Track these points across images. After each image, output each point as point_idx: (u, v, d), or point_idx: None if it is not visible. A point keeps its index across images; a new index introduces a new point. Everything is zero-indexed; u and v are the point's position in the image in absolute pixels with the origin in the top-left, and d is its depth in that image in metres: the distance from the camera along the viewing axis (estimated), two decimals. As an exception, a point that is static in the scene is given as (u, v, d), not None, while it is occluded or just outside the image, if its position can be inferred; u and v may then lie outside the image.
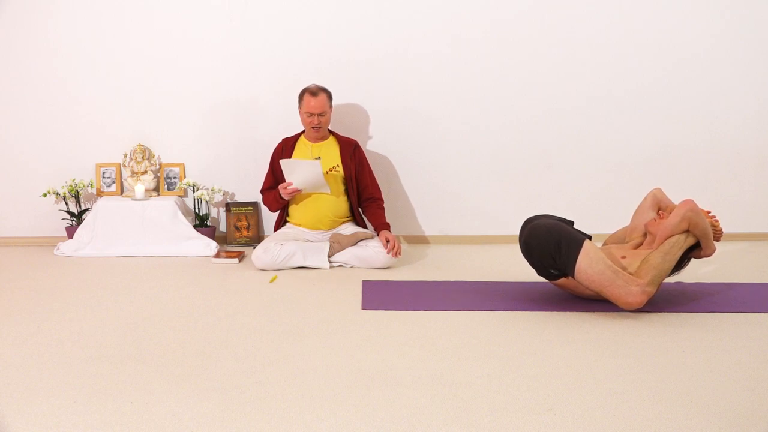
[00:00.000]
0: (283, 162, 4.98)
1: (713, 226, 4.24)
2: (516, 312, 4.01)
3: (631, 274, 3.95)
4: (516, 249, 4.23)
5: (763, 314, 4.00)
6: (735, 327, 3.79)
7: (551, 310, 4.04)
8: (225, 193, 5.66)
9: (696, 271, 4.82)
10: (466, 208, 5.79)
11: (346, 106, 5.57)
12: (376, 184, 5.26)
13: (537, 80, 5.65)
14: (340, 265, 4.99)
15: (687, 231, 4.05)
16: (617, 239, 4.45)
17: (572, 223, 4.24)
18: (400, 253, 5.00)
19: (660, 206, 4.33)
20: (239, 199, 5.69)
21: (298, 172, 4.95)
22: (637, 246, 4.25)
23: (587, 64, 5.65)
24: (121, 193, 5.62)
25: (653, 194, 4.37)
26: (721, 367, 3.24)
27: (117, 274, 4.79)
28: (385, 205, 5.29)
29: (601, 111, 5.71)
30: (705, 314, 4.00)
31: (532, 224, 4.11)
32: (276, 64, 5.55)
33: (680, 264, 4.15)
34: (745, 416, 2.80)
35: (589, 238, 4.10)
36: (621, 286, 3.88)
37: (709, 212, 4.30)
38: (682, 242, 4.03)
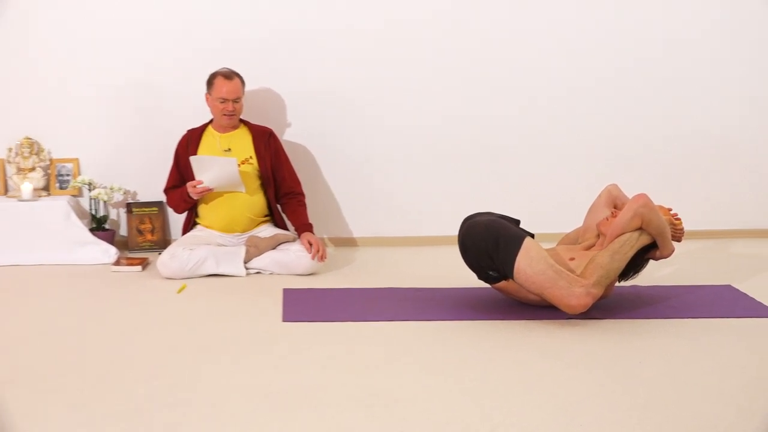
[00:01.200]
0: (193, 159, 4.96)
1: (673, 224, 4.32)
2: (456, 321, 4.06)
3: (578, 275, 4.02)
4: (456, 251, 4.28)
5: (726, 319, 4.11)
6: (696, 334, 3.88)
7: (494, 318, 4.09)
8: (126, 192, 5.62)
9: (652, 274, 4.92)
10: (400, 206, 5.83)
11: (259, 91, 5.57)
12: (296, 176, 5.27)
13: (481, 65, 5.71)
14: (257, 272, 5.00)
15: (640, 229, 4.13)
16: (570, 241, 4.51)
17: (518, 222, 4.30)
18: (325, 257, 5.01)
19: (615, 204, 4.40)
20: (142, 198, 5.65)
21: (209, 169, 4.93)
22: (589, 247, 4.32)
23: (538, 49, 5.73)
24: (6, 193, 5.55)
25: (608, 191, 4.44)
26: (681, 378, 3.33)
27: (1, 285, 4.73)
28: (306, 202, 5.30)
29: (553, 100, 5.81)
30: (663, 320, 4.09)
31: (470, 222, 4.17)
32: (181, 46, 5.53)
33: (636, 266, 4.23)
34: (706, 430, 2.87)
35: (532, 236, 4.16)
36: (564, 287, 3.95)
37: (669, 209, 4.39)
38: (634, 241, 4.11)
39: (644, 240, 4.15)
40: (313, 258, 4.95)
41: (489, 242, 4.02)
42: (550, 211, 5.80)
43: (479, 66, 5.73)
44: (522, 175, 5.86)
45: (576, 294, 3.95)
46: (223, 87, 5.04)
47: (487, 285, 4.32)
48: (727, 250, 5.68)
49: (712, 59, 5.84)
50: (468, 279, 4.58)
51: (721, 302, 4.41)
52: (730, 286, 4.73)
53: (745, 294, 4.55)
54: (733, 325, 4.03)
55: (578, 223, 4.56)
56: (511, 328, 3.96)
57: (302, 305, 4.33)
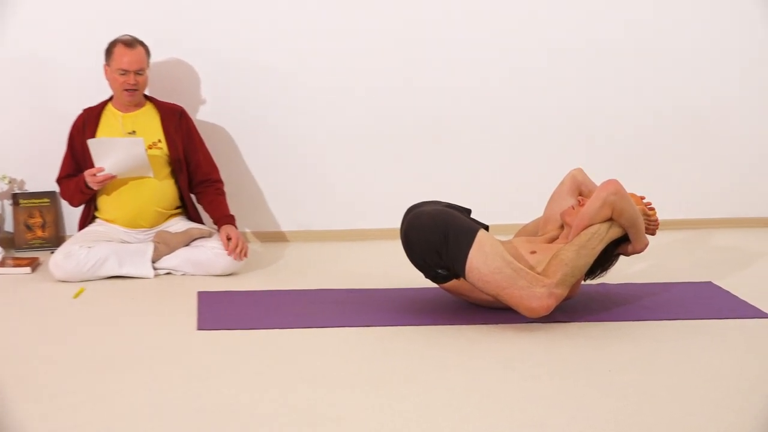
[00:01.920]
0: (91, 143, 4.90)
1: (646, 215, 4.35)
2: (400, 327, 4.07)
3: (540, 273, 4.05)
4: (399, 247, 4.29)
5: (706, 321, 4.17)
6: (673, 337, 3.94)
7: (443, 323, 4.11)
8: (11, 181, 5.54)
9: (624, 270, 4.96)
10: (334, 195, 5.85)
11: (167, 63, 5.53)
12: (212, 161, 5.26)
13: (428, 38, 5.75)
14: (168, 273, 4.98)
15: (610, 220, 4.16)
16: (529, 233, 4.54)
17: (469, 212, 4.32)
18: (246, 255, 5.00)
19: (581, 191, 4.43)
20: (31, 188, 5.58)
21: (112, 153, 4.88)
22: (552, 240, 4.35)
23: (491, 22, 5.77)
24: None
25: (572, 176, 4.46)
26: (656, 388, 3.36)
27: None
28: (226, 190, 5.29)
29: (509, 76, 5.84)
30: (635, 323, 4.13)
31: (413, 212, 4.18)
32: (76, 11, 5.46)
33: (604, 262, 4.27)
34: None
35: (486, 228, 4.19)
36: (523, 287, 3.97)
37: (642, 198, 4.42)
38: (604, 233, 4.14)
39: (615, 232, 4.18)
40: (231, 254, 4.93)
41: (436, 236, 4.03)
42: (506, 200, 5.85)
43: (425, 40, 5.76)
44: (473, 159, 5.90)
45: (537, 295, 3.98)
46: (123, 57, 4.99)
47: (435, 285, 4.33)
48: (706, 242, 5.76)
49: (685, 33, 5.92)
50: (413, 278, 4.59)
51: (700, 301, 4.47)
52: (710, 283, 4.80)
53: (728, 292, 4.62)
54: (714, 327, 4.09)
55: (537, 213, 4.58)
56: (463, 335, 3.98)
57: (220, 311, 4.32)
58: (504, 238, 4.32)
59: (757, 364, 3.64)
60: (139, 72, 5.02)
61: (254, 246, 5.63)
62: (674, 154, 6.02)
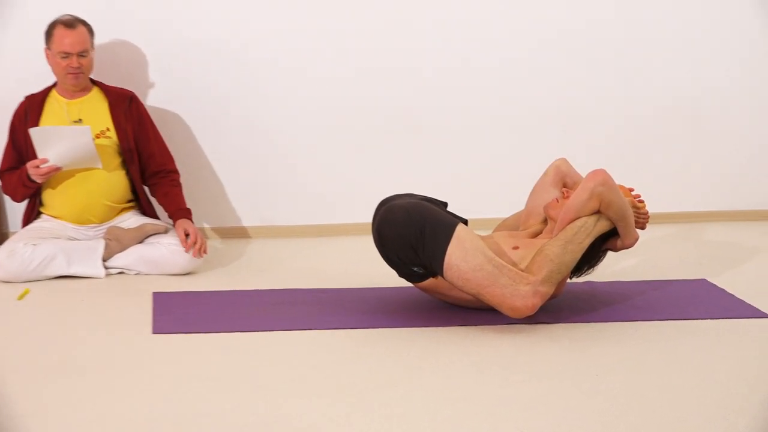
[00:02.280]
0: (34, 132, 4.86)
1: (635, 207, 4.36)
2: (372, 330, 4.07)
3: (523, 270, 4.06)
4: (371, 243, 4.29)
5: (700, 321, 4.19)
6: (664, 339, 3.95)
7: (419, 325, 4.11)
8: (-52, 174, 5.50)
9: (612, 267, 4.99)
10: (302, 188, 5.84)
11: (114, 45, 5.50)
12: (167, 151, 5.25)
13: (403, 20, 5.75)
14: (120, 272, 4.96)
15: (598, 212, 4.17)
16: (510, 227, 4.55)
17: (445, 205, 4.33)
18: (205, 251, 5.00)
19: (565, 182, 4.44)
20: (-30, 181, 5.54)
21: (56, 143, 4.85)
22: (535, 234, 4.36)
23: (469, 5, 5.80)
24: None
25: (556, 167, 4.47)
26: (646, 393, 3.37)
27: None
28: (182, 182, 5.27)
29: (494, 58, 5.85)
30: (624, 324, 4.15)
31: (387, 206, 4.18)
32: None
33: (591, 258, 4.28)
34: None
35: (465, 222, 4.19)
36: (506, 285, 3.98)
37: (631, 190, 4.44)
38: (591, 227, 4.15)
39: (602, 226, 4.19)
40: (188, 251, 4.93)
41: (412, 231, 4.03)
42: (485, 192, 5.87)
43: (403, 24, 5.77)
44: (451, 150, 5.91)
45: (521, 294, 3.98)
46: (64, 38, 4.95)
47: (410, 284, 4.34)
48: (700, 236, 5.79)
49: (679, 20, 5.94)
50: (386, 277, 4.59)
51: (694, 300, 4.49)
52: (704, 280, 4.82)
53: (723, 290, 4.64)
54: (708, 327, 4.11)
55: (519, 206, 4.60)
56: (441, 337, 3.98)
57: (177, 313, 4.31)
58: (483, 233, 4.33)
59: (755, 367, 3.65)
60: (83, 54, 4.98)
61: (213, 243, 5.62)
62: (665, 144, 6.04)
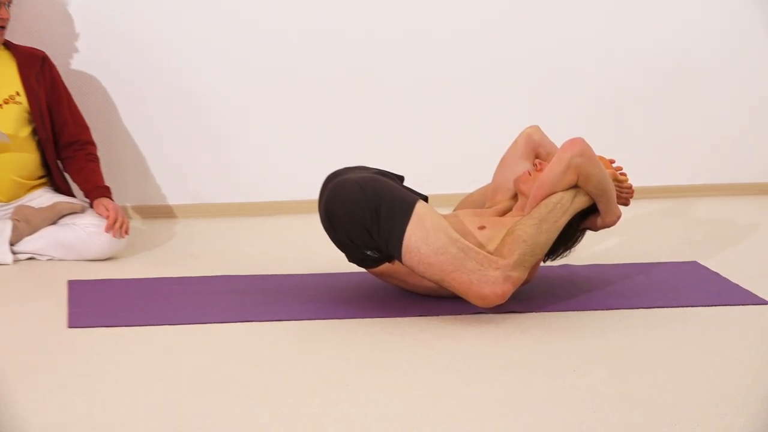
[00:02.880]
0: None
1: (617, 181, 4.39)
2: (320, 321, 4.08)
3: (491, 252, 4.06)
4: (317, 222, 4.28)
5: (692, 308, 4.21)
6: (651, 329, 3.98)
7: (373, 316, 4.12)
8: None
9: (592, 248, 5.02)
10: (235, 161, 5.85)
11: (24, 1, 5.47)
12: (82, 119, 5.23)
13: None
14: (30, 257, 4.95)
15: (575, 187, 4.18)
16: (475, 203, 4.56)
17: (402, 179, 4.33)
18: (127, 232, 5.00)
19: (538, 153, 4.45)
20: None
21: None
22: (504, 212, 4.36)
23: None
24: None
25: (527, 135, 4.48)
26: (629, 390, 3.39)
27: None
28: (100, 156, 5.25)
29: (453, 9, 5.87)
30: (605, 312, 4.17)
31: (336, 181, 4.16)
32: None
33: (568, 239, 4.30)
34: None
35: (425, 199, 4.19)
36: (473, 270, 3.97)
37: (612, 161, 4.46)
38: (568, 204, 4.16)
39: (580, 202, 4.21)
40: (108, 231, 4.91)
41: (365, 209, 4.02)
42: (446, 165, 5.90)
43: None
44: (406, 117, 5.93)
45: (490, 279, 3.98)
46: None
47: (363, 269, 4.34)
48: (690, 213, 5.83)
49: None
50: (336, 261, 4.59)
51: (684, 285, 4.53)
52: (695, 263, 4.86)
53: (716, 273, 4.68)
54: (701, 315, 4.15)
55: (485, 179, 4.61)
56: (399, 329, 3.99)
57: (97, 304, 4.29)
58: (445, 212, 4.33)
59: (753, 359, 3.69)
60: (8, 4, 4.95)
61: (136, 224, 5.61)
62: (650, 108, 6.07)
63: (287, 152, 5.81)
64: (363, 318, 4.11)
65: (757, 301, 4.30)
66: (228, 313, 4.19)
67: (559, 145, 4.28)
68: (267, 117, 5.79)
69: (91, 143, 5.21)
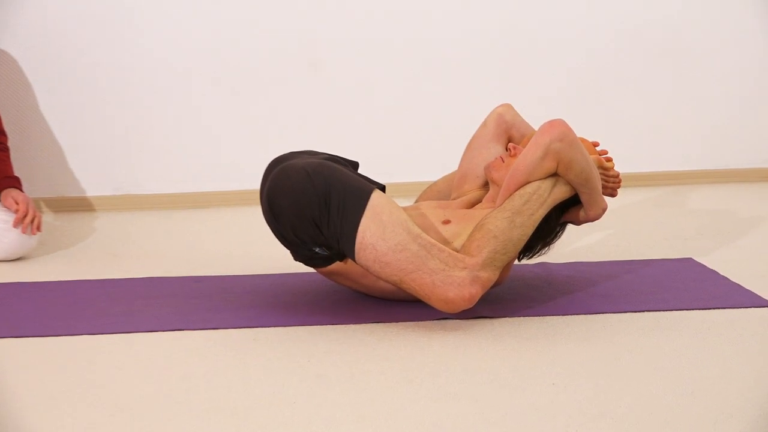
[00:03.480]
0: None
1: (603, 168, 4.39)
2: (262, 329, 4.07)
3: (457, 250, 4.05)
4: (259, 216, 4.27)
5: (687, 312, 4.22)
6: (640, 337, 3.97)
7: (324, 323, 4.11)
8: None
9: (573, 244, 5.05)
10: (166, 147, 5.90)
11: None
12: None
13: None
14: (-73, 259, 4.95)
15: (555, 175, 4.17)
16: (439, 194, 4.58)
17: (356, 165, 4.34)
18: (40, 229, 5.00)
19: (511, 135, 4.47)
20: None
21: None
22: (472, 204, 4.38)
23: None
24: None
25: (498, 115, 4.49)
26: (616, 405, 3.37)
27: None
28: (10, 145, 5.26)
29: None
30: (588, 317, 4.17)
31: (280, 168, 4.14)
32: None
33: (546, 234, 4.31)
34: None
35: (382, 189, 4.19)
36: (436, 270, 3.96)
37: (596, 145, 4.46)
38: (546, 194, 4.14)
39: (560, 193, 4.20)
40: (16, 226, 4.91)
41: (313, 200, 4.00)
42: (407, 149, 5.93)
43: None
44: (361, 95, 5.98)
45: (456, 280, 3.97)
46: None
47: (311, 269, 4.31)
48: (683, 203, 5.86)
49: None
50: (281, 260, 4.62)
51: (677, 286, 4.53)
52: (690, 259, 4.89)
53: (714, 272, 4.70)
54: (696, 320, 4.14)
55: (450, 167, 4.62)
56: (352, 338, 3.98)
57: (4, 312, 4.30)
58: (405, 203, 4.32)
59: (754, 369, 3.67)
60: None
61: (49, 218, 5.59)
62: (639, 87, 6.10)
63: (225, 136, 5.83)
64: (312, 325, 4.10)
65: (760, 302, 4.31)
66: (157, 320, 4.17)
67: (535, 127, 4.28)
68: (201, 97, 5.80)
69: (1, 132, 5.20)
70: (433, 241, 3.99)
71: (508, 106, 4.50)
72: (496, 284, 4.21)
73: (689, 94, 6.13)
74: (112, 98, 5.73)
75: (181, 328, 4.09)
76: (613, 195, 4.47)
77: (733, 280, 4.56)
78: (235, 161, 5.79)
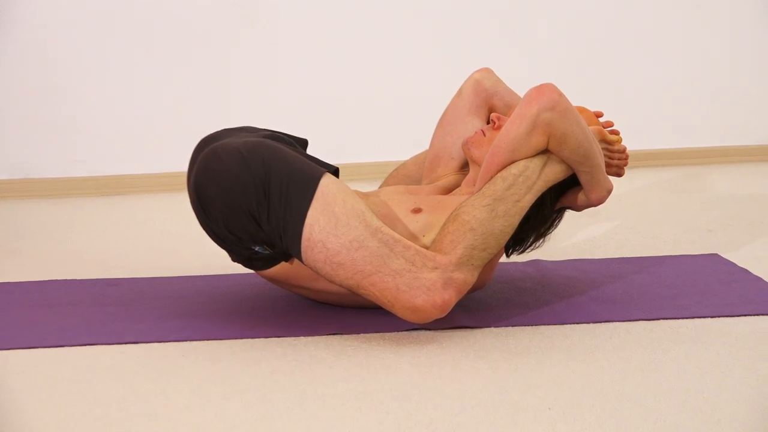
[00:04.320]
0: None
1: (606, 142, 4.38)
2: (189, 343, 4.05)
3: (427, 246, 4.03)
4: (186, 204, 4.23)
5: (710, 320, 4.19)
6: (654, 350, 3.94)
7: (266, 335, 4.10)
8: None
9: (572, 238, 5.07)
10: (72, 122, 5.92)
11: None
12: None
13: None
14: None
15: (546, 152, 4.16)
16: (408, 178, 4.60)
17: (304, 144, 4.34)
18: None
19: (493, 105, 4.49)
20: None
21: None
22: (448, 190, 4.38)
23: None
24: None
25: (475, 82, 4.51)
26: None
27: None
28: None
29: None
30: (591, 327, 4.16)
31: (210, 148, 4.12)
32: None
33: (538, 223, 4.29)
34: None
35: (335, 172, 4.17)
36: (401, 271, 3.93)
37: (598, 115, 4.46)
38: (535, 175, 4.12)
39: (553, 173, 4.18)
40: None
41: (250, 188, 3.97)
42: (366, 124, 5.95)
43: None
44: (309, 56, 6.00)
45: (425, 284, 3.94)
46: None
47: (249, 270, 4.32)
48: (707, 186, 5.88)
49: None
50: (214, 260, 4.65)
51: (700, 288, 4.53)
52: (716, 255, 4.91)
53: (745, 270, 4.71)
54: (723, 331, 4.11)
55: (421, 145, 4.65)
56: (304, 354, 3.96)
57: None
58: (364, 189, 4.29)
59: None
60: None
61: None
62: (649, 45, 6.09)
63: (143, 107, 5.83)
64: (254, 338, 4.09)
65: (800, 309, 4.31)
66: (62, 333, 4.14)
67: (521, 94, 4.24)
68: (114, 62, 5.81)
69: None
70: (398, 236, 3.97)
71: (488, 71, 4.51)
72: (476, 288, 4.21)
73: (712, 52, 6.13)
74: (5, 67, 5.73)
75: (92, 343, 4.06)
76: (619, 174, 4.44)
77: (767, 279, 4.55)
78: (154, 139, 5.79)
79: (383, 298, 3.96)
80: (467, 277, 3.99)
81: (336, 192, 3.97)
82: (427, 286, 3.93)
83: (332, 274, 3.98)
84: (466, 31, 5.87)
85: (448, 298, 3.95)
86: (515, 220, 4.08)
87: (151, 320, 4.25)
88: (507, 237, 4.09)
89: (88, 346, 4.03)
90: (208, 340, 4.07)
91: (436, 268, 3.93)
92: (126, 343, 4.05)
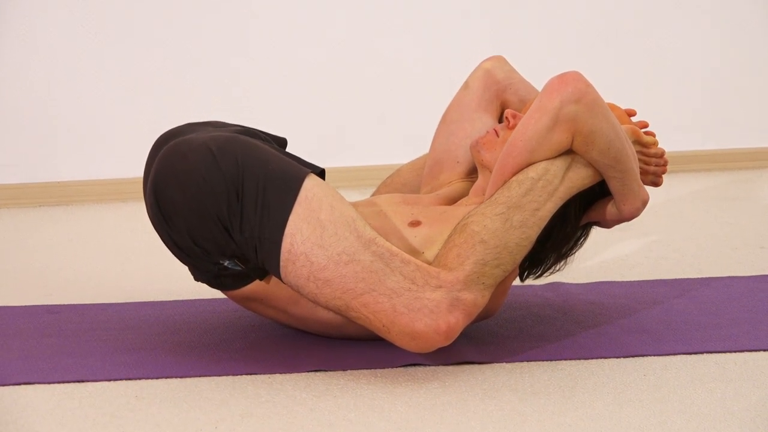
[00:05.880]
0: None
1: (641, 144, 4.37)
2: (145, 381, 4.04)
3: (429, 262, 4.04)
4: (143, 213, 4.24)
5: (766, 354, 4.21)
6: (697, 392, 3.93)
7: (236, 372, 4.10)
8: None
9: (599, 255, 5.08)
10: (14, 116, 5.87)
11: None
12: None
13: None
14: None
15: (569, 152, 4.16)
16: (405, 185, 4.64)
17: (283, 143, 4.35)
18: None
19: (505, 100, 4.51)
20: None
21: None
22: (453, 199, 4.40)
23: None
24: None
25: (486, 72, 4.53)
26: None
27: None
28: None
29: None
30: (623, 361, 4.16)
31: (172, 144, 4.12)
32: None
33: (562, 239, 4.30)
34: None
35: (320, 174, 4.16)
36: (399, 290, 3.93)
37: (631, 113, 4.46)
38: (557, 180, 4.12)
39: (578, 179, 4.19)
40: None
41: (220, 190, 3.97)
42: (359, 121, 5.95)
43: None
44: (293, 44, 6.03)
45: (428, 305, 3.94)
46: None
47: (219, 293, 4.34)
48: (759, 195, 5.86)
49: None
50: (176, 281, 4.69)
51: (752, 317, 4.53)
52: (769, 277, 4.92)
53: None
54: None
55: (421, 147, 4.69)
56: (281, 394, 3.96)
57: None
58: (355, 197, 4.30)
59: None
60: None
61: None
62: (689, 30, 6.10)
63: (88, 101, 5.82)
64: (221, 376, 4.09)
65: None
66: (18, 369, 4.15)
67: (539, 87, 4.24)
68: (75, 50, 5.82)
69: None
70: (395, 249, 3.97)
71: (500, 59, 4.53)
72: (487, 314, 4.22)
73: (760, 41, 6.16)
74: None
75: (29, 381, 4.06)
76: (656, 183, 4.44)
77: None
78: (105, 138, 5.81)
79: (377, 321, 3.95)
80: (477, 298, 3.98)
81: (322, 196, 3.96)
82: (430, 307, 3.92)
83: (317, 293, 3.97)
84: (473, 8, 5.88)
85: (455, 322, 3.94)
86: (533, 233, 4.07)
87: (99, 354, 4.25)
88: (524, 252, 4.08)
89: (24, 386, 4.02)
90: (166, 378, 4.07)
91: (440, 286, 3.93)
92: (69, 381, 4.04)
